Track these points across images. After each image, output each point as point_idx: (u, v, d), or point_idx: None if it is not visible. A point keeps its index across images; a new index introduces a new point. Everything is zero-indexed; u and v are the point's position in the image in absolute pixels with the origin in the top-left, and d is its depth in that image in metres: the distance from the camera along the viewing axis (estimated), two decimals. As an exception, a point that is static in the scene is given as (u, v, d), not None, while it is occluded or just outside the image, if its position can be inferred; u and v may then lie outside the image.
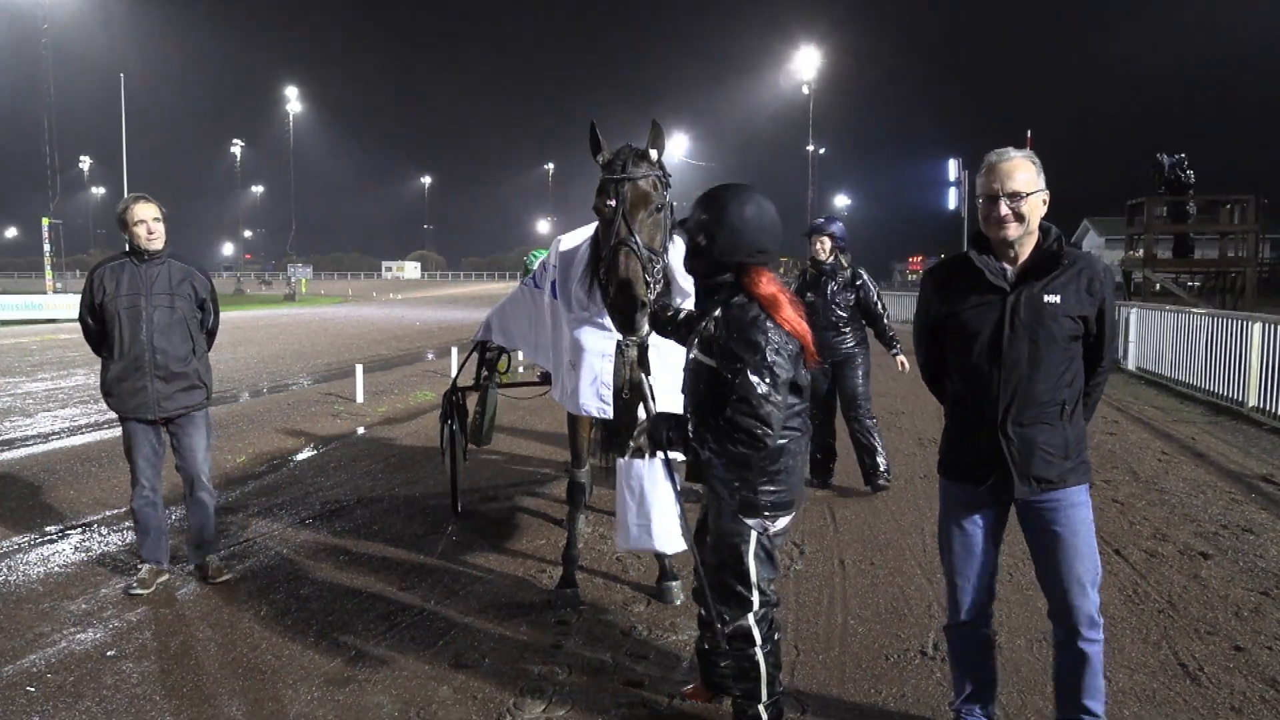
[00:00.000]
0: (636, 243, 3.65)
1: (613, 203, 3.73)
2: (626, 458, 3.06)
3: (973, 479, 2.95)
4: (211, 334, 5.04)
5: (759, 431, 2.78)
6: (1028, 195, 2.79)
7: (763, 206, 2.96)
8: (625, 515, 3.02)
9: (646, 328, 3.68)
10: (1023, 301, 2.81)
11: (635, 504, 3.00)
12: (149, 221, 4.66)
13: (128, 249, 4.75)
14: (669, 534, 2.97)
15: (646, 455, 3.00)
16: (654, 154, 3.84)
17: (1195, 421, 9.52)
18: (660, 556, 4.54)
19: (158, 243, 4.72)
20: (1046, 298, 2.79)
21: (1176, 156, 24.07)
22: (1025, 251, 2.86)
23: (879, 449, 6.65)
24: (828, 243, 6.58)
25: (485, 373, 6.32)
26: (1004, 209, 2.78)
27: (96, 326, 4.75)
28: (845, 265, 6.66)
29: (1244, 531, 5.59)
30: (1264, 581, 4.72)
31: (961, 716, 3.14)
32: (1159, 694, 3.55)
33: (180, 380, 4.72)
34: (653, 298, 3.68)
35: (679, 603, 4.47)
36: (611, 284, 3.64)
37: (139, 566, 4.81)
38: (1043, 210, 2.84)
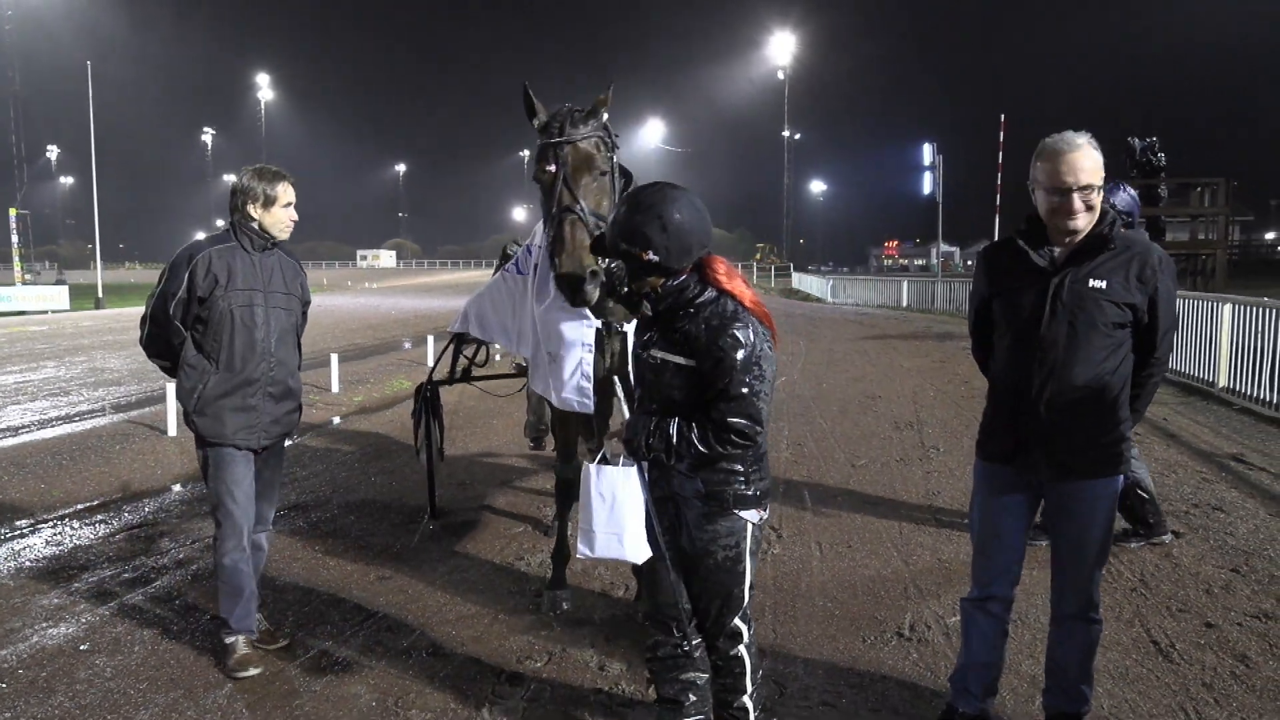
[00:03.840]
0: (582, 208, 3.44)
1: (552, 168, 3.50)
2: (596, 463, 2.87)
3: (1005, 460, 2.94)
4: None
5: (751, 430, 2.66)
6: (1099, 186, 2.71)
7: (692, 201, 2.74)
8: (591, 521, 2.85)
9: (597, 297, 3.50)
10: (1066, 285, 2.75)
11: (606, 511, 2.83)
12: (292, 206, 3.74)
13: (233, 230, 3.69)
14: (638, 543, 2.83)
15: (622, 461, 2.85)
16: (603, 114, 3.62)
17: (1166, 402, 9.62)
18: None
19: (289, 232, 3.82)
20: (1092, 282, 2.71)
21: (1148, 140, 24.28)
22: (1079, 235, 2.77)
23: (1152, 489, 5.09)
24: None
25: (465, 365, 6.24)
26: (1077, 203, 2.69)
27: (196, 327, 3.62)
28: None
29: (1214, 510, 5.67)
30: (1234, 559, 4.79)
31: (954, 688, 3.16)
32: (1131, 671, 3.59)
33: (290, 399, 3.86)
34: (604, 265, 3.46)
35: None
36: (557, 255, 3.43)
37: (229, 639, 3.72)
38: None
